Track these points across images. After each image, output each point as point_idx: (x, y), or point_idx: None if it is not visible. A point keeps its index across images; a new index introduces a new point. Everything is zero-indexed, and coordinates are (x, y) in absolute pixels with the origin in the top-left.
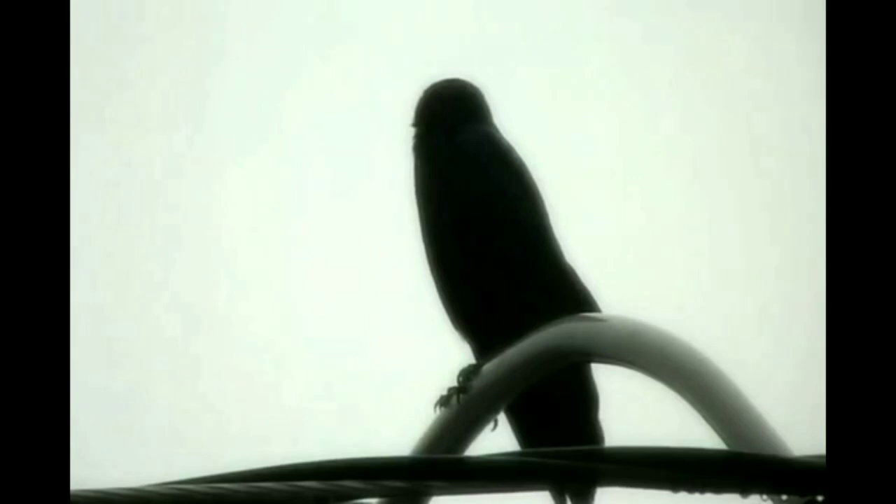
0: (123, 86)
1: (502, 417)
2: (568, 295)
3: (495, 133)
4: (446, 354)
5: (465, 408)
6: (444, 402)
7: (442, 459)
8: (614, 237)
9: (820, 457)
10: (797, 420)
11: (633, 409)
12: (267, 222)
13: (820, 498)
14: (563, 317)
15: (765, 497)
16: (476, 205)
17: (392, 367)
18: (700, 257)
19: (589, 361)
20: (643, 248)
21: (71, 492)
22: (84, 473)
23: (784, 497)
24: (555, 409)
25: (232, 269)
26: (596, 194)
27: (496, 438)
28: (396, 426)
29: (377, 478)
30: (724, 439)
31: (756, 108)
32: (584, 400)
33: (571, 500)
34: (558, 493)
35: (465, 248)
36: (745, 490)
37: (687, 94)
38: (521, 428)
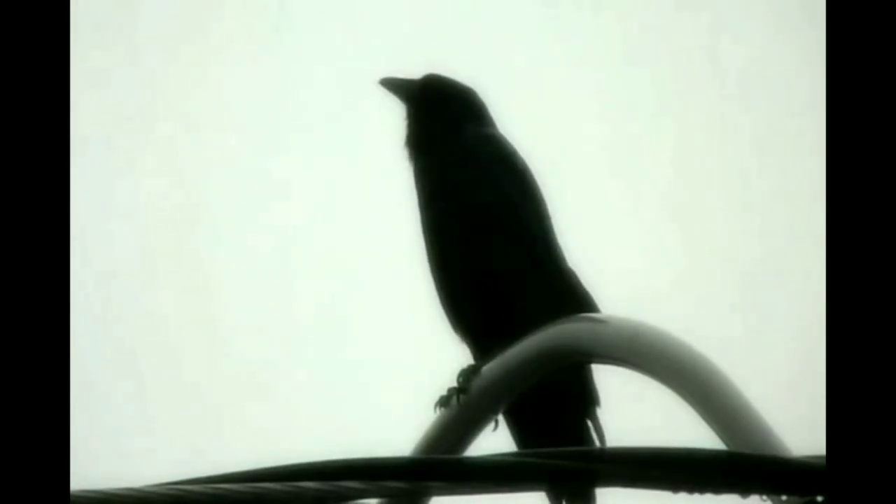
0: (117, 79)
1: (501, 418)
2: (568, 296)
3: (498, 135)
4: (446, 355)
5: (465, 408)
6: (444, 402)
7: (442, 460)
8: (615, 239)
9: (820, 457)
10: (797, 420)
11: (633, 409)
12: (266, 223)
13: (820, 499)
14: (562, 318)
15: (764, 498)
16: (478, 205)
17: (392, 367)
18: (700, 258)
19: (589, 362)
20: (643, 250)
21: (71, 492)
22: (84, 473)
23: (784, 498)
24: (554, 410)
25: (232, 270)
26: (597, 197)
27: (496, 439)
28: (396, 426)
29: (377, 478)
30: (723, 440)
31: (758, 108)
32: (584, 400)
33: (572, 501)
34: (555, 495)
35: (466, 249)
36: (744, 491)
37: (689, 94)
38: (520, 428)
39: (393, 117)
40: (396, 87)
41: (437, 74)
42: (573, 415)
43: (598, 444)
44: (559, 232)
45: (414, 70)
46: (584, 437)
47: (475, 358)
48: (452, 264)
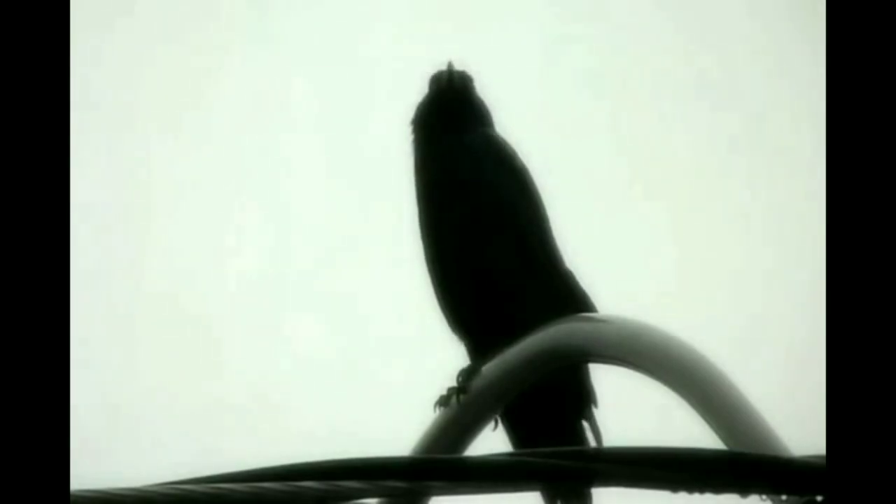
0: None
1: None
2: (566, 297)
3: (497, 136)
4: (446, 354)
5: (464, 408)
6: (443, 402)
7: (441, 459)
8: (613, 241)
9: (820, 457)
10: (797, 420)
11: (633, 409)
12: (265, 222)
13: (819, 498)
14: (560, 318)
15: (764, 497)
16: (477, 205)
17: (392, 366)
18: (700, 257)
19: (589, 362)
20: (642, 251)
21: (71, 492)
22: (84, 473)
23: (784, 497)
24: (551, 410)
25: (232, 270)
26: (596, 199)
27: (496, 438)
28: (396, 426)
29: (377, 478)
30: (723, 439)
31: (757, 108)
32: (581, 400)
33: (570, 501)
34: (551, 495)
35: (464, 248)
36: (744, 490)
37: (687, 94)
38: (516, 428)
39: (389, 119)
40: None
41: (462, 70)
42: (570, 415)
43: (594, 444)
44: (558, 234)
45: (411, 67)
46: (580, 437)
47: (474, 357)
48: (450, 263)
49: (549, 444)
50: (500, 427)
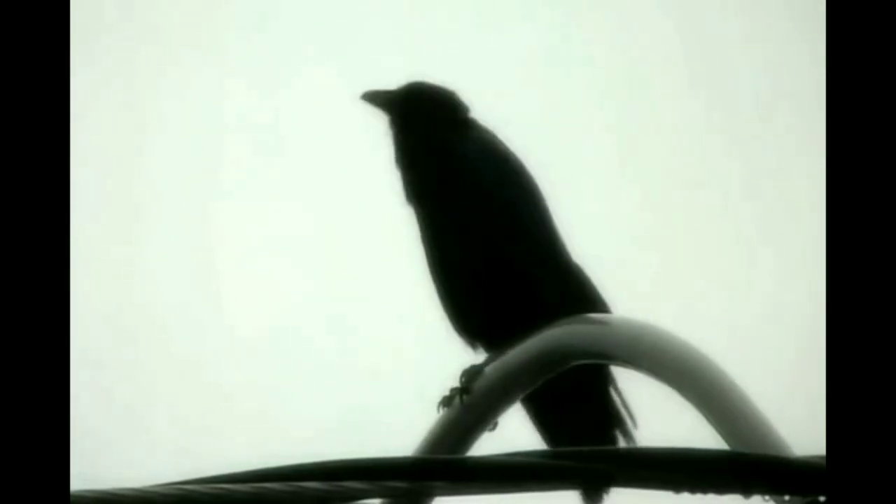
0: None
1: (524, 410)
2: (576, 294)
3: (491, 136)
4: (450, 354)
5: (468, 408)
6: (447, 402)
7: (444, 460)
8: (612, 238)
9: (820, 457)
10: (797, 420)
11: (634, 409)
12: (266, 222)
13: (822, 498)
14: (571, 315)
15: (766, 497)
16: (479, 206)
17: (395, 367)
18: (700, 257)
19: (592, 362)
20: (642, 248)
21: (71, 492)
22: (84, 473)
23: (786, 497)
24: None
25: (233, 269)
26: (593, 197)
27: (500, 439)
28: (399, 426)
29: (379, 478)
30: (725, 440)
31: (758, 103)
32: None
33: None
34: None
35: (468, 250)
36: (746, 491)
37: (687, 93)
38: (544, 417)
39: (381, 124)
40: (380, 99)
41: (419, 81)
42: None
43: (628, 415)
44: (561, 228)
45: (395, 80)
46: (610, 412)
47: (480, 358)
48: (454, 265)
49: (579, 428)
50: (502, 425)
